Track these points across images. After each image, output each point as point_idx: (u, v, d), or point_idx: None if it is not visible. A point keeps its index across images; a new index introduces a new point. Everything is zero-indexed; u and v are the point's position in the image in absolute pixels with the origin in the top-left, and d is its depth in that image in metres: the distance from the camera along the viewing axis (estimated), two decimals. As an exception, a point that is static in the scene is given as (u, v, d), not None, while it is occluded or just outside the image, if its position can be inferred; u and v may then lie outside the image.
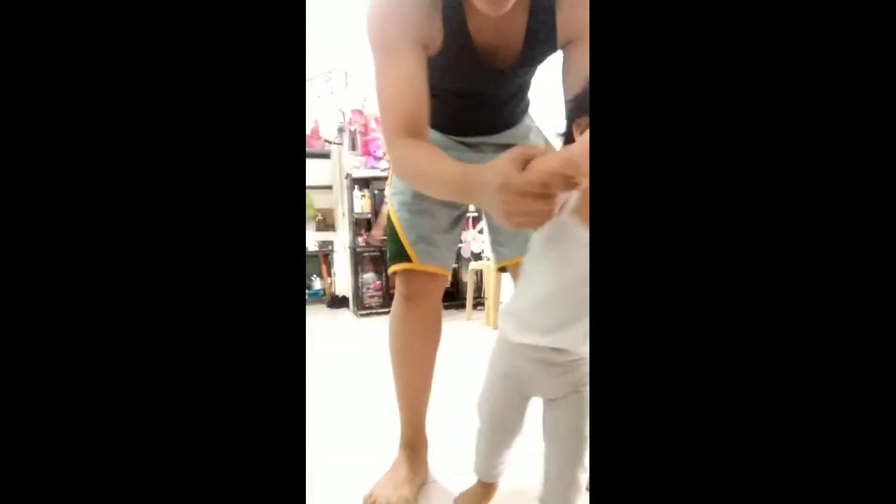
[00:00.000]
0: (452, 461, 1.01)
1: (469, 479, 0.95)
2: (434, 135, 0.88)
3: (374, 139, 3.41)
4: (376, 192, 3.28)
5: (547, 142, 0.96)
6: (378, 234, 2.56)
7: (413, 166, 0.66)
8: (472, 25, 0.69)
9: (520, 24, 0.70)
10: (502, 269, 0.98)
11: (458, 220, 0.93)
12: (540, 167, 0.45)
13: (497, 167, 0.48)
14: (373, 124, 3.42)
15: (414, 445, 0.95)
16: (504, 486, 0.92)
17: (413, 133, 0.65)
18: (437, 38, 0.69)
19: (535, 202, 0.44)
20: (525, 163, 0.46)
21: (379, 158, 3.32)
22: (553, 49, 0.74)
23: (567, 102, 0.75)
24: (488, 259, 2.94)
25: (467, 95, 0.82)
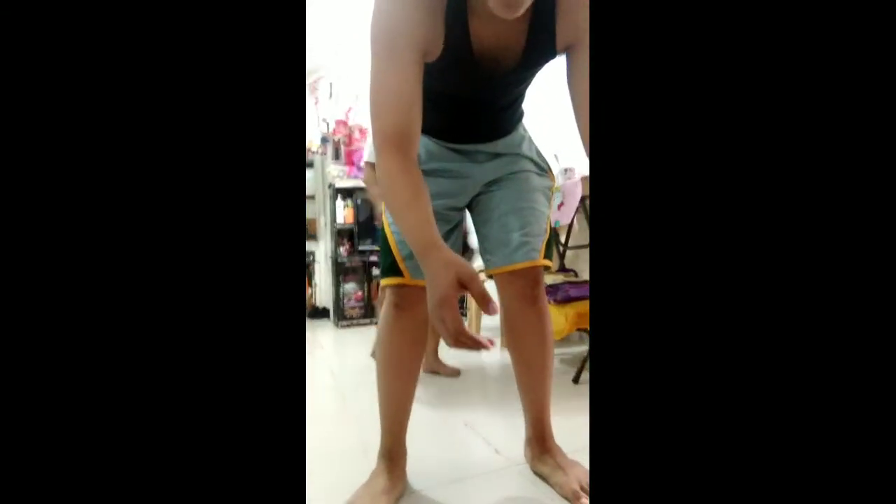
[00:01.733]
0: (431, 472, 1.00)
1: (446, 490, 0.94)
2: (428, 141, 0.88)
3: (358, 150, 3.41)
4: (358, 202, 3.27)
5: (539, 153, 0.97)
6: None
7: (389, 197, 0.69)
8: (474, 31, 0.70)
9: (521, 30, 0.71)
10: (490, 277, 0.98)
11: (451, 233, 0.92)
12: (449, 318, 0.57)
13: (438, 280, 0.59)
14: (356, 135, 3.42)
15: (393, 456, 0.94)
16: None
17: (401, 146, 0.67)
18: (438, 45, 0.69)
19: (443, 325, 0.58)
20: (462, 286, 0.58)
21: (362, 169, 3.32)
22: (553, 54, 0.75)
23: (580, 114, 0.75)
24: (470, 270, 2.95)
25: (465, 101, 0.82)
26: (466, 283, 0.57)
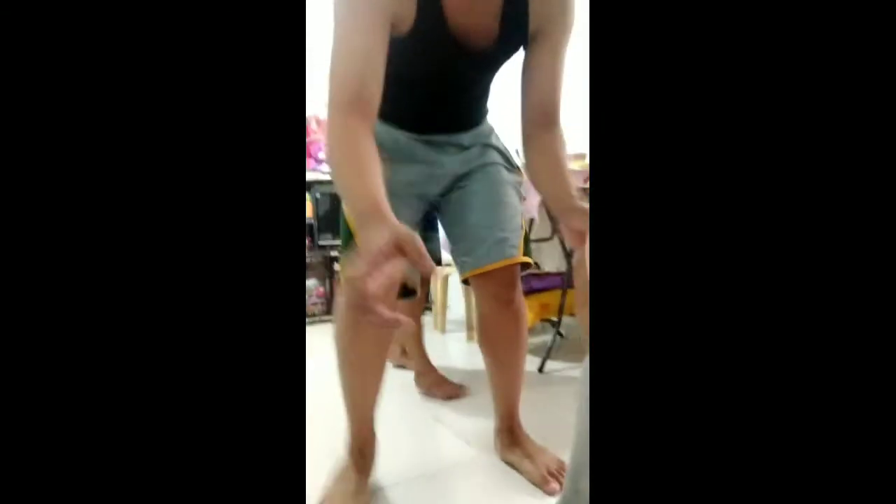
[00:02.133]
0: (402, 466, 1.00)
1: (418, 485, 0.95)
2: (396, 133, 0.85)
3: (315, 141, 3.32)
4: (318, 195, 3.20)
5: (505, 149, 0.97)
6: None
7: (337, 157, 0.61)
8: (449, 4, 0.68)
9: (495, 5, 0.70)
10: (465, 282, 0.92)
11: (422, 222, 0.88)
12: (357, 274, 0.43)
13: (373, 239, 0.46)
14: (313, 125, 3.33)
15: (362, 452, 0.92)
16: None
17: (358, 107, 0.62)
18: (408, 15, 0.67)
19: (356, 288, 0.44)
20: (398, 249, 0.46)
21: (320, 161, 3.24)
22: (525, 37, 0.74)
23: (528, 105, 0.75)
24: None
25: (436, 87, 0.80)
26: (403, 245, 0.46)
